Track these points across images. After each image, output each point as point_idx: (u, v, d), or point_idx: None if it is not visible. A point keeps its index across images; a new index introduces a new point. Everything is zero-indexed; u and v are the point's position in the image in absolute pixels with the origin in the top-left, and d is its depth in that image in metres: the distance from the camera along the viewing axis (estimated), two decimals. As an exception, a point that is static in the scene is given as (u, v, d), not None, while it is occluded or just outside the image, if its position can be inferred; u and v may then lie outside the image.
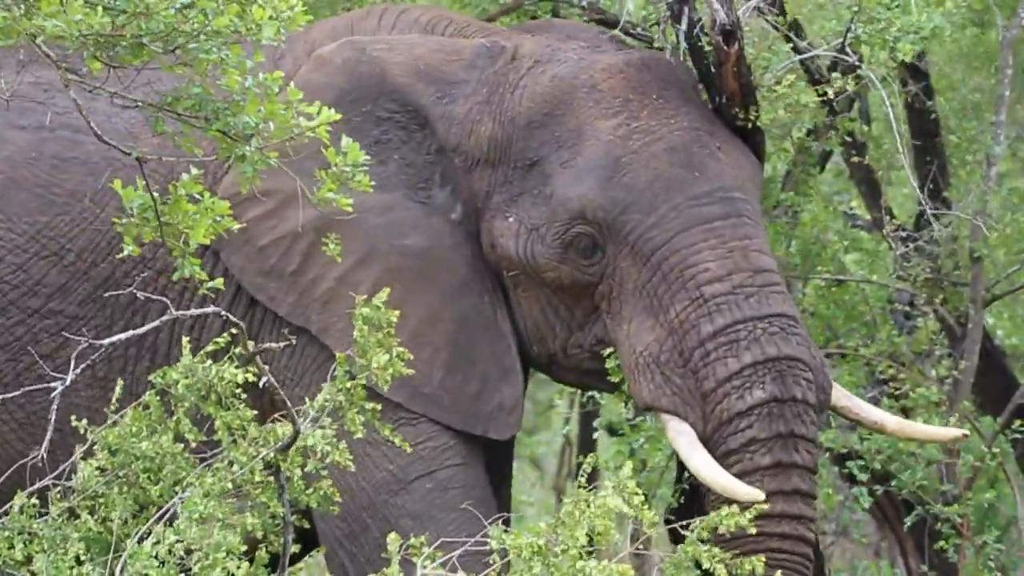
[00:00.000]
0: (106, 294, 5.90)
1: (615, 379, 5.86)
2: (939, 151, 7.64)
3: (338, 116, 4.84)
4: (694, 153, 5.74)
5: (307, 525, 5.73)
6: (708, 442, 5.62)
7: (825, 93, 6.29)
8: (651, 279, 5.69)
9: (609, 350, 5.83)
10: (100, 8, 4.56)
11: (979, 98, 7.43)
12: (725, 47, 5.90)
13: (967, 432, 6.07)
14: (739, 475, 5.55)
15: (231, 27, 4.67)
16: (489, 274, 5.93)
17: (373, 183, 5.71)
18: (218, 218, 4.91)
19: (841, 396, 5.85)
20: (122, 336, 5.28)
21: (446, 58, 5.96)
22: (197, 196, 4.88)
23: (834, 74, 6.28)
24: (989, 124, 7.31)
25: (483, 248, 5.92)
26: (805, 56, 6.39)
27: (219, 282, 5.22)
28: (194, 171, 4.89)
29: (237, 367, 5.33)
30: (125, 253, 4.95)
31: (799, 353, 5.64)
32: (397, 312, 5.34)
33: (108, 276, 5.95)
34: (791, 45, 6.41)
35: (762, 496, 5.45)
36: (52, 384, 5.26)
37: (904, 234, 7.37)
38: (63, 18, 4.55)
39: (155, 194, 4.88)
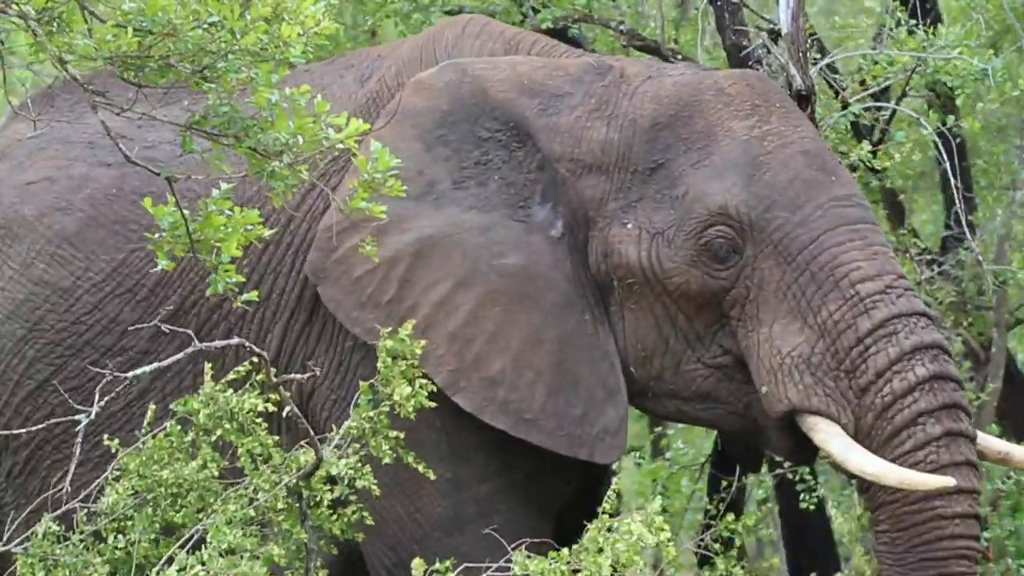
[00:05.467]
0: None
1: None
2: (966, 175, 7.61)
3: (367, 126, 4.79)
4: (827, 160, 5.69)
5: (335, 551, 5.68)
6: (865, 436, 5.48)
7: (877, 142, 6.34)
8: (798, 279, 5.57)
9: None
10: (131, 29, 4.54)
11: (1005, 122, 7.40)
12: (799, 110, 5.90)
13: None
14: (913, 449, 5.43)
15: (258, 45, 4.65)
16: (591, 290, 5.75)
17: (473, 204, 5.68)
18: (248, 227, 4.87)
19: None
20: (147, 369, 5.26)
21: (550, 73, 5.84)
22: (228, 211, 4.84)
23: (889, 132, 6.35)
24: (1015, 148, 7.30)
25: (591, 259, 5.74)
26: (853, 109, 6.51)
27: (253, 295, 5.07)
28: (224, 186, 4.84)
29: (259, 395, 5.30)
30: (158, 268, 4.92)
31: (948, 347, 5.60)
32: (423, 342, 5.29)
33: (177, 309, 5.90)
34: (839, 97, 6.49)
35: (952, 483, 5.30)
36: (77, 417, 5.23)
37: (929, 257, 7.35)
38: (95, 36, 4.54)
39: (185, 211, 4.84)
